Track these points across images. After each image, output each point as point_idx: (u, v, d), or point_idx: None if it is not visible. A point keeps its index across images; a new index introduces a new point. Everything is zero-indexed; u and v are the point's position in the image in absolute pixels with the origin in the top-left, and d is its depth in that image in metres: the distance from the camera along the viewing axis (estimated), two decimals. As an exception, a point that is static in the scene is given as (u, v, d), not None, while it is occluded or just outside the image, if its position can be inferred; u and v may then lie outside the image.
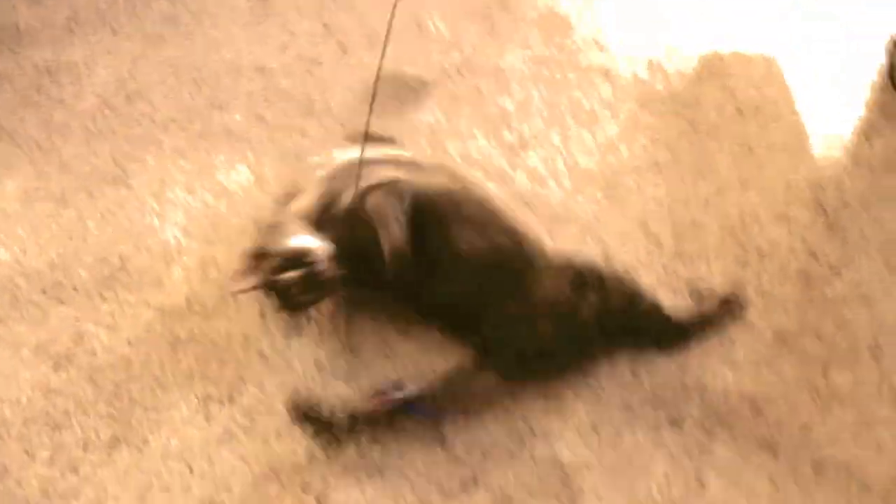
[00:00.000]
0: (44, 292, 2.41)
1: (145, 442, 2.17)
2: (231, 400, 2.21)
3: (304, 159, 2.59)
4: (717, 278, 2.36)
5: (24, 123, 2.75)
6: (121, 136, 2.70)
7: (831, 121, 2.67)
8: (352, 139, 2.28)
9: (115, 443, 2.17)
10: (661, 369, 2.21)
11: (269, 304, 2.17)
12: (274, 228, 2.12)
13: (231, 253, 2.44)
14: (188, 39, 2.93)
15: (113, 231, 2.50)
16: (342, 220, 2.12)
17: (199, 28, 2.96)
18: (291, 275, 2.00)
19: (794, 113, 2.71)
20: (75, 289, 2.41)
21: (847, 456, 2.09)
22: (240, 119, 2.72)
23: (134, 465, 2.14)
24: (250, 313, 2.33)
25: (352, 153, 2.18)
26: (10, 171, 2.64)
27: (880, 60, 2.81)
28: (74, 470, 2.14)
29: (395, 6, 2.02)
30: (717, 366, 2.22)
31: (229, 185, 2.58)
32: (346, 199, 2.13)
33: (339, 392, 2.16)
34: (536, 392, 2.18)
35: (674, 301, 2.30)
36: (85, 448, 2.17)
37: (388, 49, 2.81)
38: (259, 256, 2.06)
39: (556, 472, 2.08)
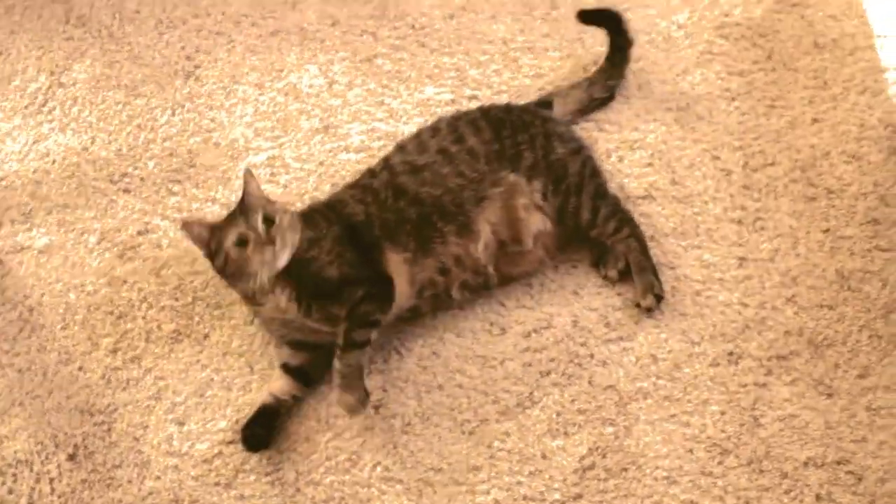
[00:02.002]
0: (111, 181, 2.43)
1: (206, 337, 2.21)
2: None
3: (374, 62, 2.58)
4: (783, 213, 2.34)
5: (95, 9, 2.73)
6: (192, 28, 2.68)
7: (910, 59, 2.62)
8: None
9: (177, 336, 2.21)
10: (722, 304, 2.21)
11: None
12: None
13: (299, 154, 2.44)
14: (262, -68, 2.89)
15: (182, 124, 2.51)
16: None
17: (273, -79, 2.91)
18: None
19: (872, 49, 2.64)
20: (143, 180, 2.42)
21: (904, 404, 2.10)
22: (313, 18, 2.69)
23: (195, 360, 2.18)
24: (315, 217, 2.34)
25: None
26: (81, 57, 2.64)
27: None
28: (136, 360, 2.19)
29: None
30: (779, 303, 2.22)
31: (299, 85, 2.57)
32: None
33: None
34: (597, 319, 2.20)
35: (738, 231, 2.30)
36: (147, 339, 2.21)
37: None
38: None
39: (612, 399, 2.10)
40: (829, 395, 2.11)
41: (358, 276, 2.07)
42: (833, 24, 2.67)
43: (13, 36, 2.69)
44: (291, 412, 2.13)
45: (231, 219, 2.07)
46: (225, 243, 2.03)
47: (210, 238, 2.06)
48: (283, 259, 2.03)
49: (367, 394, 2.01)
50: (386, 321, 2.09)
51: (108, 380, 2.16)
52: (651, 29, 2.66)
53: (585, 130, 2.46)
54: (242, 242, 2.03)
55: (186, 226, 2.08)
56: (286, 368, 2.14)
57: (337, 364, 1.99)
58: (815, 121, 2.49)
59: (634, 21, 2.66)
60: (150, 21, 2.70)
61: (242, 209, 2.07)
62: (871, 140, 2.46)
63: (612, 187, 2.35)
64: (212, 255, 2.07)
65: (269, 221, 2.04)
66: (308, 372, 2.13)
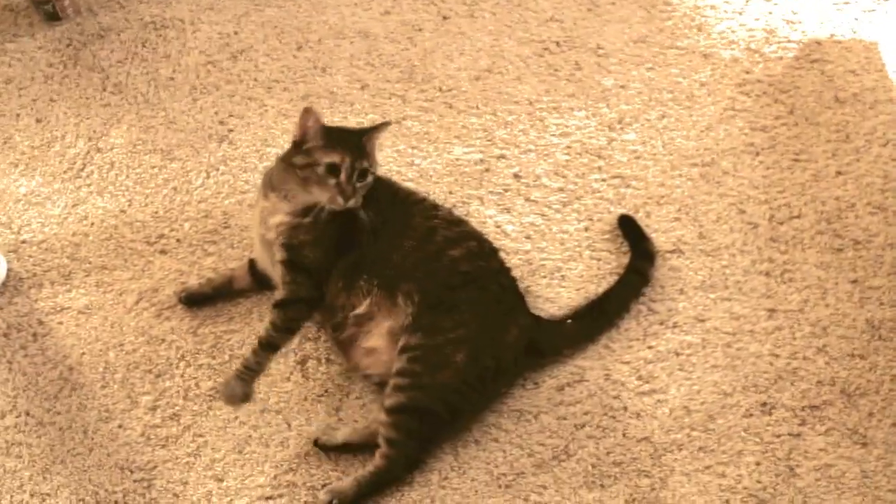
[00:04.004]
0: (148, 242, 2.47)
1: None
2: (329, 360, 2.26)
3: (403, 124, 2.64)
4: (811, 265, 2.36)
5: (131, 77, 2.81)
6: (225, 93, 2.75)
7: (931, 112, 2.65)
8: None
9: (214, 394, 2.24)
10: (754, 355, 2.23)
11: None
12: None
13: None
14: (291, 1, 2.96)
15: (217, 186, 2.56)
16: None
17: (301, -11, 3.00)
18: None
19: (893, 102, 2.68)
20: (179, 241, 2.47)
21: (941, 452, 2.10)
22: (342, 83, 2.75)
23: (233, 417, 2.20)
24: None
25: None
26: (118, 122, 2.70)
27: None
28: (175, 418, 2.21)
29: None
30: (810, 354, 2.23)
31: (330, 148, 2.62)
32: None
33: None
34: (630, 373, 2.22)
35: (767, 283, 2.33)
36: (186, 397, 2.24)
37: (488, 20, 2.85)
38: None
39: (647, 451, 2.11)
40: (864, 445, 2.11)
41: (317, 273, 2.17)
42: (853, 79, 2.72)
43: (52, 104, 2.76)
44: (233, 297, 2.37)
45: (344, 139, 2.17)
46: (319, 156, 2.13)
47: (316, 135, 2.15)
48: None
49: (251, 394, 2.15)
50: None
51: (148, 437, 2.19)
52: (674, 87, 2.71)
53: (613, 186, 2.50)
54: (333, 170, 2.12)
55: (311, 112, 2.14)
56: (252, 266, 2.35)
57: (249, 356, 2.13)
58: (839, 173, 2.53)
59: (657, 80, 2.72)
60: (184, 87, 2.77)
61: (361, 147, 2.16)
62: (895, 191, 2.49)
63: (641, 241, 2.39)
64: (300, 143, 2.16)
65: (363, 175, 2.14)
66: (268, 278, 2.30)
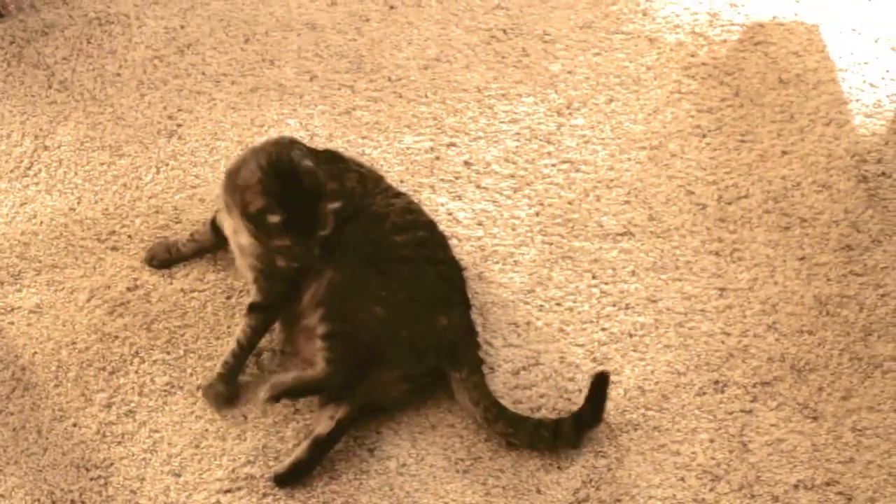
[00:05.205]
0: (99, 240, 2.46)
1: (199, 389, 2.22)
2: (284, 352, 2.26)
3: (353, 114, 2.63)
4: (759, 243, 2.40)
5: (76, 74, 2.78)
6: (173, 88, 2.74)
7: (872, 91, 2.69)
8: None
9: (170, 389, 2.23)
10: (705, 334, 2.26)
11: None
12: None
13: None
14: (237, -7, 2.96)
15: (167, 182, 2.55)
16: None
17: (247, -18, 2.98)
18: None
19: (835, 82, 2.73)
20: (130, 237, 2.45)
21: (888, 423, 2.14)
22: (291, 74, 2.75)
23: (189, 411, 2.20)
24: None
25: None
26: (65, 120, 2.68)
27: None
28: (131, 414, 2.20)
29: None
30: (760, 331, 2.26)
31: (280, 140, 2.61)
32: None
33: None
34: (584, 355, 2.24)
35: (717, 262, 2.35)
36: (141, 393, 2.23)
37: (435, 9, 2.86)
38: None
39: (603, 431, 2.13)
40: (815, 419, 2.15)
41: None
42: (796, 60, 2.75)
43: (-4, 103, 2.74)
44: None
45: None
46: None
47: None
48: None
49: (237, 393, 2.21)
50: None
51: (103, 434, 2.17)
52: (620, 72, 2.74)
53: (562, 171, 2.52)
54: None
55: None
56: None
57: (228, 357, 2.19)
58: (784, 153, 2.57)
59: (604, 65, 2.74)
60: (131, 83, 2.75)
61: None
62: (839, 169, 2.53)
63: (591, 226, 2.41)
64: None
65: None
66: None
